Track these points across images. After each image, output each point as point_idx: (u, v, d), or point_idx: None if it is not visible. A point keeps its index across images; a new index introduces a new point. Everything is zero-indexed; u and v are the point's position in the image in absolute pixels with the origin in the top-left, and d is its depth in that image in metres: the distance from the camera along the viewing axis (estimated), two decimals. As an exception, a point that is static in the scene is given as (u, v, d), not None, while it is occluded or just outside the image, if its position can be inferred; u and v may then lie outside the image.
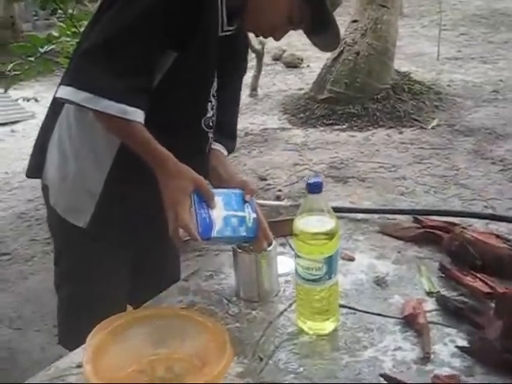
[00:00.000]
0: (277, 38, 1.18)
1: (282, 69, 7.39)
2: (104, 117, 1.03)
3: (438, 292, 1.09)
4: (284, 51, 7.53)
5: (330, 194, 1.79)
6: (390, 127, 4.80)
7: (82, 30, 2.63)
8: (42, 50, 3.14)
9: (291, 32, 1.18)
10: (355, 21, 5.34)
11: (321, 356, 0.95)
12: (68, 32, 3.21)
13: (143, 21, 1.02)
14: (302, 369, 0.91)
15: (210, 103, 1.21)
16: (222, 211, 1.07)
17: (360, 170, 4.00)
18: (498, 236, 1.21)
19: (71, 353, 0.99)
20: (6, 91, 3.23)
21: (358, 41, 5.22)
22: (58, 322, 1.31)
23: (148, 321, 0.96)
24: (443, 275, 1.15)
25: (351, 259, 1.25)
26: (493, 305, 0.99)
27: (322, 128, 5.05)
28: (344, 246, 1.30)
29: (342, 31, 1.21)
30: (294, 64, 7.33)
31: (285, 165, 4.29)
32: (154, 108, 1.07)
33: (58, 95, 1.07)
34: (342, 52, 5.22)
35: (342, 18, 5.02)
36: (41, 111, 5.17)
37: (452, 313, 1.02)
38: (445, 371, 0.88)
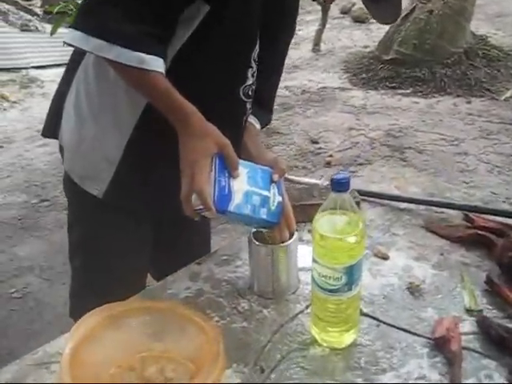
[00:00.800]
0: None
1: (350, 23, 7.03)
2: (119, 66, 0.90)
3: (481, 311, 0.94)
4: (354, 4, 7.14)
5: (373, 175, 1.62)
6: (458, 96, 4.47)
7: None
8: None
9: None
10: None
11: (331, 375, 0.83)
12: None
13: None
14: (306, 388, 0.80)
15: (250, 69, 1.04)
16: (245, 185, 0.93)
17: (419, 140, 3.76)
18: None
19: (62, 335, 0.91)
20: (52, 34, 3.16)
21: (432, -3, 4.83)
22: (70, 293, 1.23)
23: (144, 313, 0.87)
24: (489, 290, 0.99)
25: (385, 257, 1.11)
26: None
27: (383, 91, 4.78)
28: (379, 240, 1.16)
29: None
30: (362, 19, 6.95)
31: (339, 128, 4.09)
32: (183, 73, 0.94)
33: (66, 39, 0.92)
34: (413, 9, 4.86)
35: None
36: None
37: (493, 340, 0.86)
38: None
